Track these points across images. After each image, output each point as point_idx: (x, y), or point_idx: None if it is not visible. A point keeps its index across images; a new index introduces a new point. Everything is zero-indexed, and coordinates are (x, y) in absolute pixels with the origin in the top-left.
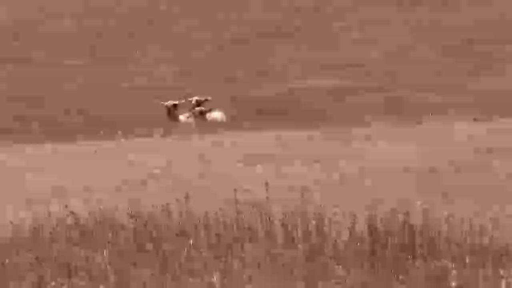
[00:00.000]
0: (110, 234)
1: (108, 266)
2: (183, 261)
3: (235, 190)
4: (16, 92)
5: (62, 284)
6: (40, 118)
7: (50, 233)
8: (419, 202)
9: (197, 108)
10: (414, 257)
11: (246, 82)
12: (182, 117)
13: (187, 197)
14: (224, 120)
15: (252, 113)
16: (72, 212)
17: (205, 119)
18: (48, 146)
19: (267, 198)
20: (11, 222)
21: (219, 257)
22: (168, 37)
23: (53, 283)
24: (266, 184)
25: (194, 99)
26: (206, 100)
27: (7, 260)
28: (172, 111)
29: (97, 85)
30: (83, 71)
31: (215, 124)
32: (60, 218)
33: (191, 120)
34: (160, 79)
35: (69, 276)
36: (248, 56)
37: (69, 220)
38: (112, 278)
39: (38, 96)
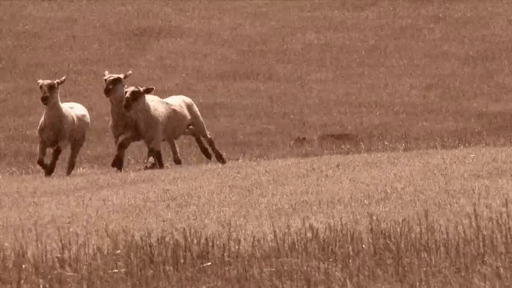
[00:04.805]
0: (350, 248)
1: (347, 280)
2: (423, 276)
3: (474, 204)
4: (259, 107)
5: None
6: (274, 133)
7: (290, 247)
8: None
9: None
10: None
11: (490, 96)
12: None
13: (427, 211)
14: None
15: (494, 128)
16: (311, 226)
17: None
18: (290, 160)
19: (507, 213)
20: (253, 236)
21: (459, 271)
22: (412, 51)
23: None
24: (506, 199)
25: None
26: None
27: (247, 274)
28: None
29: (337, 100)
30: (325, 85)
31: None
32: (300, 231)
33: None
34: (403, 94)
35: None
36: (491, 71)
37: (309, 234)
38: None
39: (280, 112)
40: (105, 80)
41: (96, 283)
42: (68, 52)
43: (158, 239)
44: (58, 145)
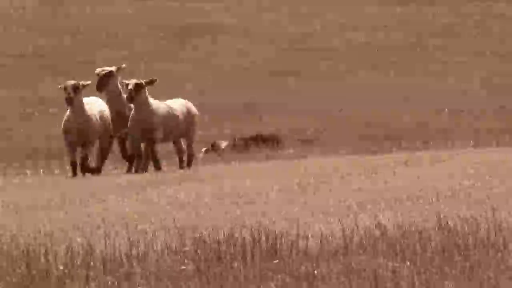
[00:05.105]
0: (418, 246)
1: (415, 278)
2: (491, 273)
3: None
4: (300, 105)
5: None
6: (333, 130)
7: (358, 244)
8: None
9: None
10: None
11: None
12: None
13: (495, 209)
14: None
15: None
16: (379, 223)
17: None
18: (355, 156)
19: None
20: (321, 233)
21: None
22: (453, 49)
23: None
24: None
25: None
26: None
27: (315, 271)
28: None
29: (379, 97)
30: (365, 83)
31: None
32: (368, 229)
33: None
34: (446, 91)
35: None
36: None
37: (377, 232)
38: None
39: (322, 110)
40: (97, 74)
41: (164, 280)
42: (111, 49)
43: (225, 236)
44: (83, 154)
